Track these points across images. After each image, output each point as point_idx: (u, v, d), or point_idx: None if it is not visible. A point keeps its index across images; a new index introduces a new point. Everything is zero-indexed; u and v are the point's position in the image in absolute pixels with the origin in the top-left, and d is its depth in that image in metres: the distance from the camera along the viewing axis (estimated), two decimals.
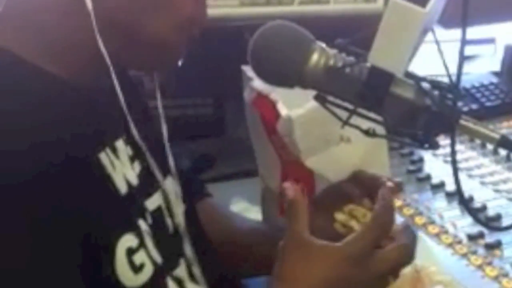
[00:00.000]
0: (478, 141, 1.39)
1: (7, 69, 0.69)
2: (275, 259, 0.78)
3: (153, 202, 0.79)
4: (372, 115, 0.78)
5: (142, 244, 0.72)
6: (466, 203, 1.04)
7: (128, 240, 0.70)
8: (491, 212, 1.19)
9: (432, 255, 1.07)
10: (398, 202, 1.21)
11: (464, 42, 0.75)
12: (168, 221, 0.81)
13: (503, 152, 1.36)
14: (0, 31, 0.71)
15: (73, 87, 0.71)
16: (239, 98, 1.14)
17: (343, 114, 0.80)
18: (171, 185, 0.84)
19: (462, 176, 1.28)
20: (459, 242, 1.13)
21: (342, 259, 0.75)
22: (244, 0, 1.37)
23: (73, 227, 0.65)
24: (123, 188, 0.72)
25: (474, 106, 1.54)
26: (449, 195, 1.24)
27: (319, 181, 1.01)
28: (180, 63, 0.80)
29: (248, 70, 1.08)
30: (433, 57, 0.79)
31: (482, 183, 1.29)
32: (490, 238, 1.12)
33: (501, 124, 1.50)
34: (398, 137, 0.80)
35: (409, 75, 0.77)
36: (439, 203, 1.24)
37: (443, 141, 0.81)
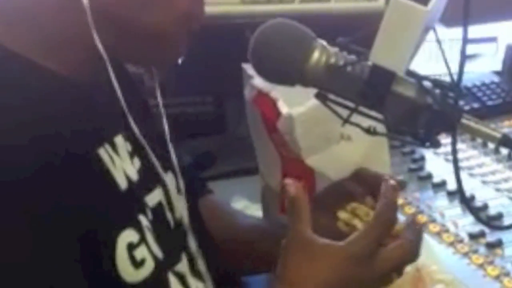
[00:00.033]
0: (479, 140, 1.39)
1: (0, 63, 0.68)
2: (277, 256, 0.78)
3: (153, 197, 0.78)
4: (373, 113, 0.78)
5: (142, 240, 0.72)
6: (467, 202, 1.04)
7: (128, 236, 0.70)
8: (492, 211, 1.19)
9: (433, 254, 1.07)
10: (399, 201, 1.20)
11: (466, 41, 0.75)
12: (169, 216, 0.81)
13: (504, 151, 1.36)
14: None
15: (70, 82, 0.71)
16: (239, 96, 1.14)
17: (344, 112, 0.79)
18: (172, 180, 0.84)
19: (463, 175, 1.27)
20: (460, 241, 1.13)
21: (346, 258, 0.75)
22: None
23: (73, 223, 0.64)
24: (123, 184, 0.72)
25: (476, 105, 1.54)
26: (451, 194, 1.24)
27: (319, 180, 1.01)
28: (180, 61, 0.80)
29: (248, 68, 1.08)
30: (434, 56, 0.79)
31: (484, 182, 1.29)
32: (491, 237, 1.12)
33: (503, 123, 1.50)
34: (399, 136, 0.80)
35: (411, 73, 0.76)
36: (440, 201, 1.23)
37: (445, 139, 0.80)
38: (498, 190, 1.26)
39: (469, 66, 1.59)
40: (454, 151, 0.78)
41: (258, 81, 1.06)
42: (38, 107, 0.66)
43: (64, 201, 0.64)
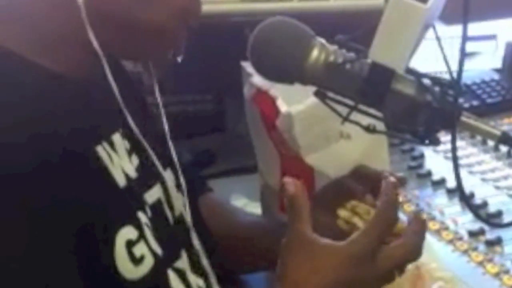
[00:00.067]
0: (479, 138, 1.39)
1: None
2: (277, 253, 0.78)
3: (152, 194, 0.78)
4: (372, 111, 0.78)
5: (142, 236, 0.72)
6: (467, 200, 1.04)
7: (127, 233, 0.70)
8: (492, 208, 1.19)
9: (433, 251, 1.07)
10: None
11: (465, 38, 0.75)
12: (168, 213, 0.81)
13: (504, 148, 1.36)
14: None
15: (66, 79, 0.71)
16: (239, 94, 1.14)
17: (343, 110, 0.79)
18: (171, 177, 0.84)
19: (463, 172, 1.27)
20: (460, 238, 1.13)
21: (347, 258, 0.75)
22: None
23: (70, 219, 0.65)
24: (121, 181, 0.72)
25: (475, 103, 1.54)
26: (450, 192, 1.24)
27: (319, 178, 1.01)
28: (179, 59, 0.80)
29: (247, 66, 1.08)
30: (434, 54, 0.79)
31: (483, 180, 1.29)
32: (491, 234, 1.12)
33: (502, 120, 1.50)
34: (399, 133, 0.80)
35: (410, 71, 0.76)
36: (440, 199, 1.23)
37: (444, 137, 0.80)
38: (497, 187, 1.26)
39: (468, 64, 1.59)
40: (454, 149, 0.78)
41: (257, 79, 1.06)
42: (34, 104, 0.66)
43: (61, 197, 0.64)
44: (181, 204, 0.83)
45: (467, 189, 1.18)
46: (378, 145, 1.01)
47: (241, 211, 1.11)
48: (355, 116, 0.79)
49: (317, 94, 0.79)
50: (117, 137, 0.74)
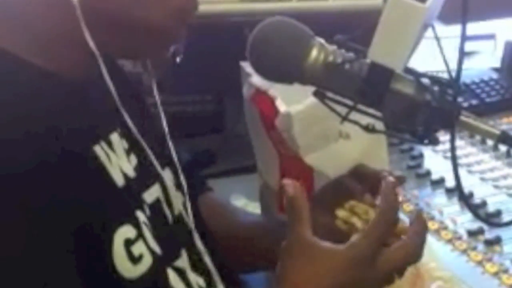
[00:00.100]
0: (478, 137, 1.39)
1: None
2: (277, 253, 0.78)
3: (151, 194, 0.78)
4: (371, 111, 0.78)
5: (140, 235, 0.72)
6: (466, 199, 1.04)
7: (126, 231, 0.70)
8: (491, 208, 1.19)
9: (432, 251, 1.07)
10: None
11: (464, 38, 0.75)
12: (168, 212, 0.81)
13: (503, 148, 1.36)
14: None
15: (61, 79, 0.70)
16: (238, 94, 1.14)
17: (342, 110, 0.79)
18: (170, 177, 0.84)
19: (462, 172, 1.28)
20: (459, 238, 1.13)
21: (347, 262, 0.75)
22: None
23: (69, 218, 0.65)
24: (119, 181, 0.72)
25: (474, 102, 1.54)
26: (449, 191, 1.24)
27: (318, 178, 1.01)
28: (179, 59, 0.80)
29: (247, 66, 1.08)
30: (433, 53, 0.79)
31: (482, 179, 1.29)
32: (490, 234, 1.12)
33: (501, 120, 1.50)
34: (398, 133, 0.80)
35: (409, 71, 0.76)
36: (439, 199, 1.24)
37: (443, 136, 0.80)
38: (496, 187, 1.26)
39: (467, 63, 1.59)
40: (453, 148, 0.78)
41: (256, 79, 1.06)
42: (29, 103, 0.66)
43: (60, 197, 0.64)
44: (180, 203, 0.83)
45: (466, 188, 1.19)
46: (377, 144, 1.02)
47: (241, 211, 1.11)
48: (354, 115, 0.79)
49: (316, 94, 0.79)
50: (115, 137, 0.74)
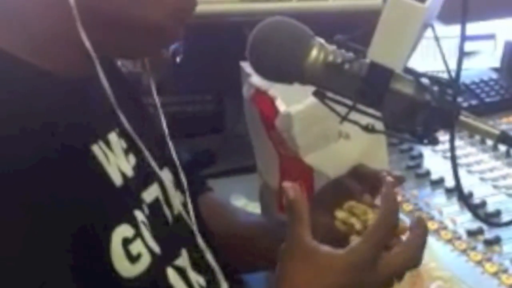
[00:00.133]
0: (477, 137, 1.39)
1: None
2: (277, 254, 0.78)
3: (150, 193, 0.79)
4: (371, 111, 0.78)
5: (138, 234, 0.72)
6: (465, 199, 1.04)
7: (123, 231, 0.70)
8: (490, 208, 1.19)
9: (432, 251, 1.07)
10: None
11: (464, 38, 0.75)
12: (167, 212, 0.81)
13: (502, 148, 1.36)
14: None
15: (58, 78, 0.70)
16: (238, 94, 1.14)
17: (342, 110, 0.79)
18: (168, 177, 0.84)
19: (461, 172, 1.28)
20: (459, 238, 1.13)
21: (347, 266, 0.75)
22: None
23: (68, 217, 0.65)
24: (118, 180, 0.72)
25: (474, 102, 1.54)
26: (449, 191, 1.24)
27: (318, 178, 1.01)
28: (179, 59, 0.80)
29: (246, 66, 1.08)
30: (432, 53, 0.79)
31: (482, 179, 1.29)
32: (489, 234, 1.12)
33: (501, 120, 1.50)
34: (398, 133, 0.80)
35: (409, 71, 0.76)
36: (439, 199, 1.24)
37: (443, 136, 0.80)
38: (496, 187, 1.26)
39: (467, 63, 1.59)
40: (452, 148, 0.78)
41: (256, 79, 1.06)
42: (26, 101, 0.66)
43: (59, 194, 0.64)
44: (179, 203, 0.83)
45: (466, 188, 1.19)
46: (377, 144, 1.02)
47: (241, 210, 1.11)
48: (354, 115, 0.79)
49: (316, 94, 0.79)
50: (113, 136, 0.75)
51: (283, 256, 0.77)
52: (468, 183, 1.26)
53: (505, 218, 1.17)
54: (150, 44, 0.75)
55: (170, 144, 0.86)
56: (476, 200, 1.21)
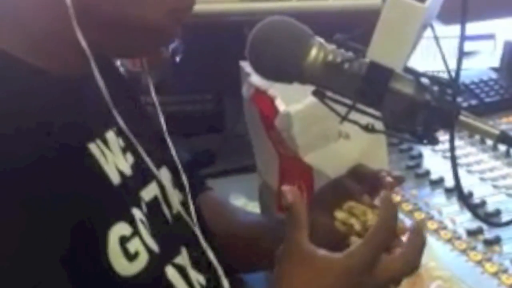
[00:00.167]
0: (477, 137, 1.39)
1: None
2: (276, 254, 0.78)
3: (148, 192, 0.79)
4: (370, 110, 0.78)
5: (136, 233, 0.72)
6: (465, 199, 1.04)
7: (120, 229, 0.70)
8: (490, 207, 1.19)
9: (431, 250, 1.07)
10: (396, 198, 1.21)
11: (464, 37, 0.75)
12: (166, 211, 0.81)
13: (502, 148, 1.36)
14: None
15: (55, 77, 0.70)
16: (238, 94, 1.14)
17: (342, 110, 0.79)
18: (167, 176, 0.84)
19: (461, 171, 1.28)
20: (458, 237, 1.13)
21: (345, 269, 0.74)
22: None
23: (66, 215, 0.65)
24: (115, 179, 0.72)
25: (474, 102, 1.54)
26: (448, 191, 1.24)
27: (318, 177, 1.01)
28: (178, 59, 0.80)
29: (246, 66, 1.08)
30: (432, 53, 0.79)
31: (482, 179, 1.29)
32: (489, 234, 1.12)
33: (501, 120, 1.50)
34: (397, 133, 0.80)
35: (408, 70, 0.76)
36: (438, 198, 1.24)
37: (442, 136, 0.80)
38: (496, 187, 1.26)
39: (467, 63, 1.58)
40: (452, 148, 0.78)
41: (256, 79, 1.06)
42: (21, 99, 0.66)
43: (54, 193, 0.64)
44: (178, 202, 0.83)
45: (466, 188, 1.18)
46: (377, 144, 1.02)
47: (241, 210, 1.11)
48: (354, 115, 0.79)
49: (315, 93, 0.79)
50: (110, 135, 0.75)
51: (280, 260, 0.77)
52: (468, 183, 1.26)
53: (505, 218, 1.17)
54: (148, 43, 0.75)
55: (170, 143, 0.86)
56: (476, 200, 1.21)
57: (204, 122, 1.53)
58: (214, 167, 1.42)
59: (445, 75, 0.77)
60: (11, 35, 0.70)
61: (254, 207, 1.21)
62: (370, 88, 0.75)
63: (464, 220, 1.16)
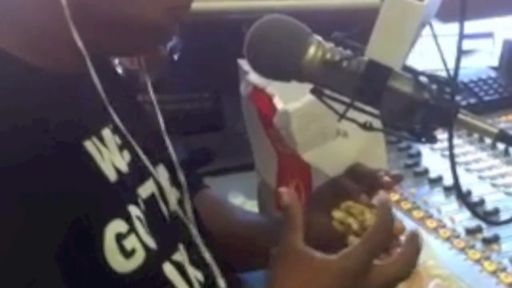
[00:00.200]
0: (476, 135, 1.39)
1: None
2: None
3: (145, 189, 0.79)
4: (369, 108, 0.78)
5: (132, 230, 0.72)
6: (464, 197, 1.04)
7: (117, 226, 0.70)
8: (489, 206, 1.19)
9: (430, 249, 1.07)
10: (395, 197, 1.21)
11: (462, 36, 0.75)
12: (163, 208, 0.81)
13: (501, 146, 1.36)
14: None
15: (51, 75, 0.71)
16: (237, 92, 1.14)
17: (340, 108, 0.79)
18: (163, 173, 0.84)
19: (460, 170, 1.27)
20: (457, 236, 1.13)
21: (339, 271, 0.74)
22: None
23: (63, 212, 0.65)
24: (112, 176, 0.72)
25: (472, 100, 1.54)
26: (447, 189, 1.24)
27: (316, 175, 1.01)
28: (176, 57, 0.80)
29: (244, 64, 1.08)
30: (430, 51, 0.79)
31: (480, 177, 1.29)
32: (488, 232, 1.12)
33: (499, 118, 1.50)
34: (396, 131, 0.80)
35: (407, 69, 0.76)
36: (437, 197, 1.23)
37: (441, 135, 0.80)
38: (494, 185, 1.26)
39: (465, 62, 1.58)
40: (451, 147, 0.78)
41: (254, 77, 1.06)
42: (17, 97, 0.66)
43: (50, 190, 0.64)
44: (175, 199, 0.83)
45: (464, 187, 1.18)
46: (375, 142, 1.01)
47: (239, 208, 1.11)
48: (352, 113, 0.79)
49: (314, 91, 0.79)
50: (107, 132, 0.75)
51: (275, 261, 0.77)
52: (467, 181, 1.26)
53: (503, 216, 1.17)
54: (146, 42, 0.75)
55: (168, 141, 0.86)
56: (475, 198, 1.21)
57: (203, 121, 1.53)
58: (212, 165, 1.42)
59: (443, 74, 0.77)
60: (8, 33, 0.70)
61: (252, 206, 1.21)
62: (369, 86, 0.75)
63: (463, 219, 1.16)
